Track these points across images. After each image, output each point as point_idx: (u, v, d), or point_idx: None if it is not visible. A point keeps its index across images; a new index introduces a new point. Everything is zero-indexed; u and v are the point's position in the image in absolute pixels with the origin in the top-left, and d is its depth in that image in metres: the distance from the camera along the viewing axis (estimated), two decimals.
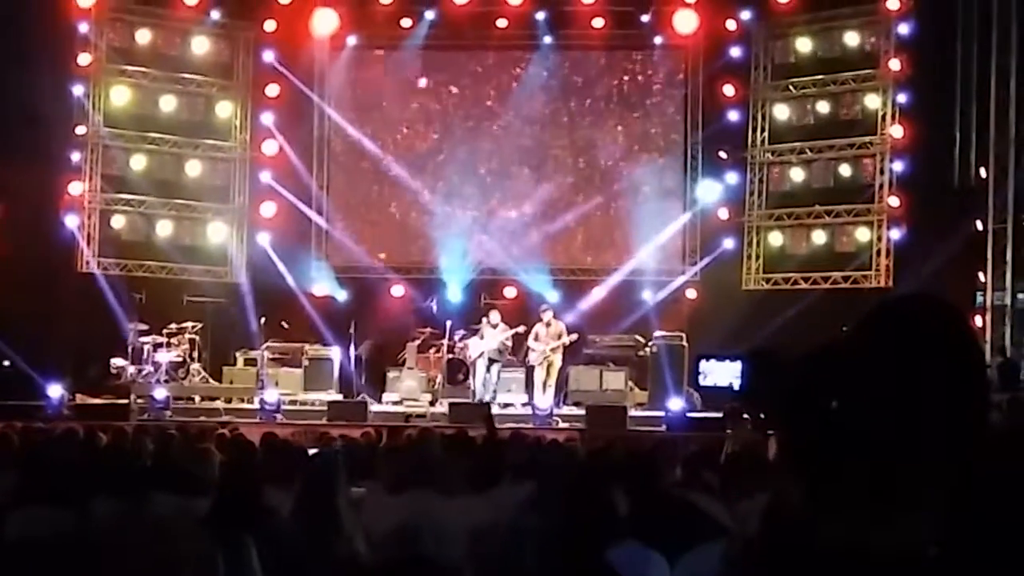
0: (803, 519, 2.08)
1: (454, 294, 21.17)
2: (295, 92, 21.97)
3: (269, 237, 21.84)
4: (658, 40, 21.88)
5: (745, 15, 21.21)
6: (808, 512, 2.07)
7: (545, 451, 7.94)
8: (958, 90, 18.91)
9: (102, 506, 5.76)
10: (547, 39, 21.98)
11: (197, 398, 19.15)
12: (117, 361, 19.37)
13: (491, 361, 18.99)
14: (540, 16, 21.68)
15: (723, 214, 21.56)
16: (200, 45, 22.05)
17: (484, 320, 19.26)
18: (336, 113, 22.47)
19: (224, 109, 22.43)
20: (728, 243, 21.41)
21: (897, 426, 1.95)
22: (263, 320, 20.05)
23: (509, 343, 19.08)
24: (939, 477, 1.93)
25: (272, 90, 22.02)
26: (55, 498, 5.75)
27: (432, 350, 19.97)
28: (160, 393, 17.95)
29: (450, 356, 19.46)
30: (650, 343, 19.50)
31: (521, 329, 19.00)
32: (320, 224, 22.23)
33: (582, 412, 17.88)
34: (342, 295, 21.48)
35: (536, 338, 18.82)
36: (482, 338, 19.06)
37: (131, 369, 19.23)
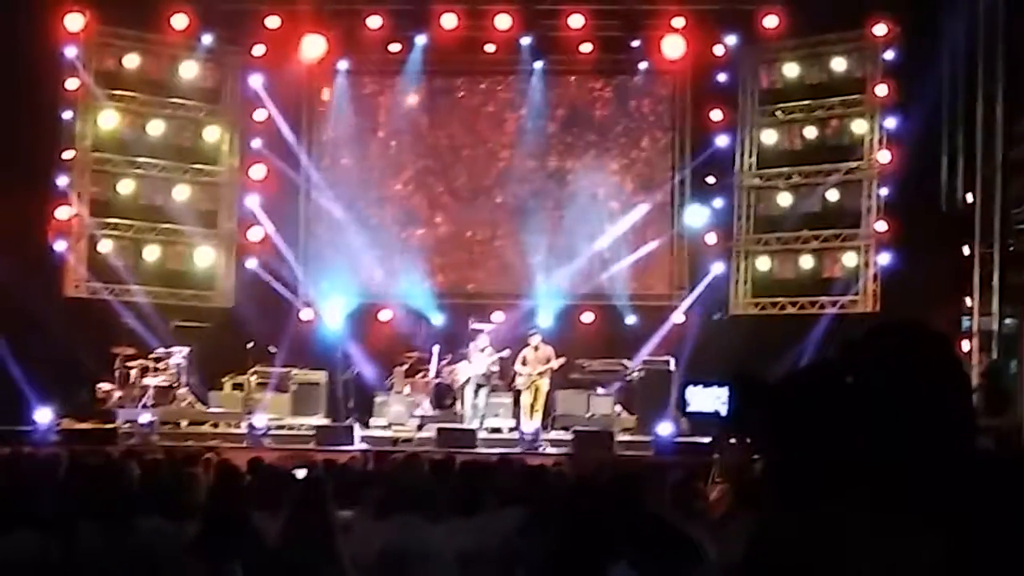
0: (790, 541, 2.08)
1: (437, 319, 21.15)
2: (283, 118, 21.96)
3: (257, 261, 21.78)
4: (645, 65, 21.92)
5: (731, 40, 21.22)
6: (795, 534, 2.07)
7: (534, 476, 7.92)
8: (944, 115, 18.95)
9: (88, 531, 5.73)
10: (536, 64, 21.97)
11: (184, 422, 19.07)
12: (104, 385, 19.32)
13: (479, 386, 18.96)
14: (526, 41, 21.64)
15: (711, 239, 21.57)
16: (188, 70, 21.98)
17: (471, 345, 19.25)
18: (322, 138, 22.54)
19: (212, 134, 22.36)
20: (717, 267, 21.41)
21: (882, 449, 1.96)
22: (251, 345, 19.97)
23: (496, 368, 19.05)
24: (925, 499, 1.94)
25: (260, 115, 21.98)
26: (41, 522, 5.71)
27: (419, 375, 19.94)
28: (146, 417, 17.90)
29: (437, 381, 19.42)
30: (638, 368, 19.48)
31: (507, 353, 18.99)
32: (300, 247, 22.16)
33: (569, 437, 17.84)
34: (339, 324, 21.24)
35: (523, 362, 18.82)
36: (470, 362, 19.04)
37: (118, 393, 19.18)
